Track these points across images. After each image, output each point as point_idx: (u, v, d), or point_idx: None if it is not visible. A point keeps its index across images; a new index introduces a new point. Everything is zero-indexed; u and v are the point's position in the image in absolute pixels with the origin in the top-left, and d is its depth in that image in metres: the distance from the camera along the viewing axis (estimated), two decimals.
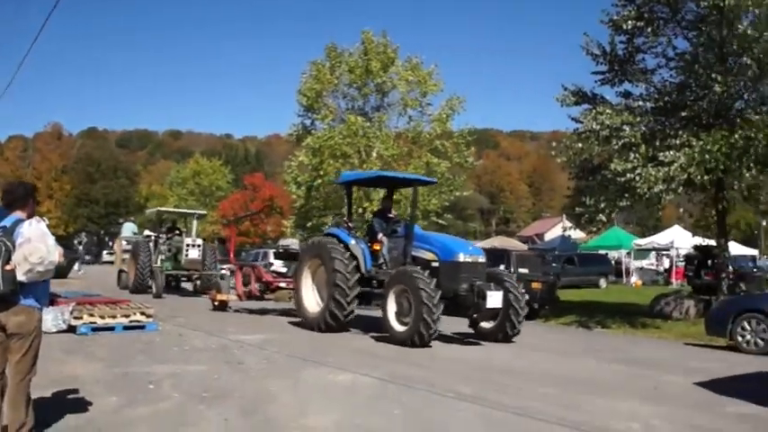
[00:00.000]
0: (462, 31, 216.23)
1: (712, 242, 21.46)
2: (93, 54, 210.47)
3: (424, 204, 29.91)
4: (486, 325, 14.06)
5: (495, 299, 12.93)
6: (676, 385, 9.50)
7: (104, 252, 60.37)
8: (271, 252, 32.87)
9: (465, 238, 78.53)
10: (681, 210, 33.12)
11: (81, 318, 12.90)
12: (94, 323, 13.01)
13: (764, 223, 62.61)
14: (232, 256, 22.63)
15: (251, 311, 18.70)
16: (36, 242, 5.32)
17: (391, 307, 13.00)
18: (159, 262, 24.22)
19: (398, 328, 12.77)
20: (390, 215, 15.57)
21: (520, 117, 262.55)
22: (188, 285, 26.84)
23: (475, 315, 13.73)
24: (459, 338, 14.04)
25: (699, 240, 26.03)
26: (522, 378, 9.61)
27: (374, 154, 30.94)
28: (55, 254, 5.45)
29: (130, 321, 13.51)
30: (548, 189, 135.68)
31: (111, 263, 29.43)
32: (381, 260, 14.47)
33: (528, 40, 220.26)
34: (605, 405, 7.90)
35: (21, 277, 5.23)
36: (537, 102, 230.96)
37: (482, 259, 13.78)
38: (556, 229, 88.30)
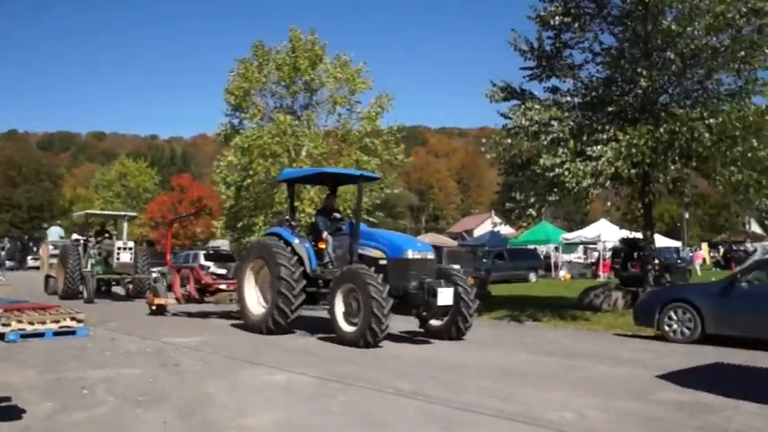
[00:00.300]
0: (390, 29, 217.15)
1: (639, 235, 21.88)
2: (10, 54, 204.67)
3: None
4: (435, 323, 13.84)
5: (445, 296, 12.69)
6: (608, 375, 9.65)
7: (29, 257, 59.04)
8: (201, 254, 32.39)
9: None
10: (608, 203, 33.78)
11: (9, 324, 12.56)
12: (23, 330, 12.65)
13: (687, 215, 64.45)
14: (169, 258, 21.89)
15: (190, 315, 18.27)
16: None
17: (339, 307, 12.69)
18: (89, 266, 23.76)
19: (347, 328, 12.49)
20: (335, 213, 15.22)
21: (448, 114, 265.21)
22: (119, 290, 26.35)
23: (425, 313, 13.38)
24: (409, 337, 13.85)
25: (626, 233, 26.56)
26: (459, 373, 9.62)
27: (304, 152, 30.75)
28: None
29: (60, 327, 13.19)
30: (476, 185, 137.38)
31: (37, 268, 28.74)
32: (327, 259, 14.12)
33: (455, 37, 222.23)
34: (540, 396, 7.95)
35: None
36: (464, 98, 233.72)
37: (431, 256, 13.54)
38: (485, 225, 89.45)
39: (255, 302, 14.77)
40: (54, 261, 26.15)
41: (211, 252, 33.68)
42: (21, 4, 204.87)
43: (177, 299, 18.14)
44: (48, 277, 26.77)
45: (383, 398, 7.80)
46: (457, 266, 14.57)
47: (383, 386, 8.36)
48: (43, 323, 13.02)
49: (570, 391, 8.23)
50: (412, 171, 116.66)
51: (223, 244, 44.32)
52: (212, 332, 14.66)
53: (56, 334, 12.97)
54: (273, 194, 30.28)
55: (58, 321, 13.24)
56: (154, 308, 18.24)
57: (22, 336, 12.51)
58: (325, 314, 13.82)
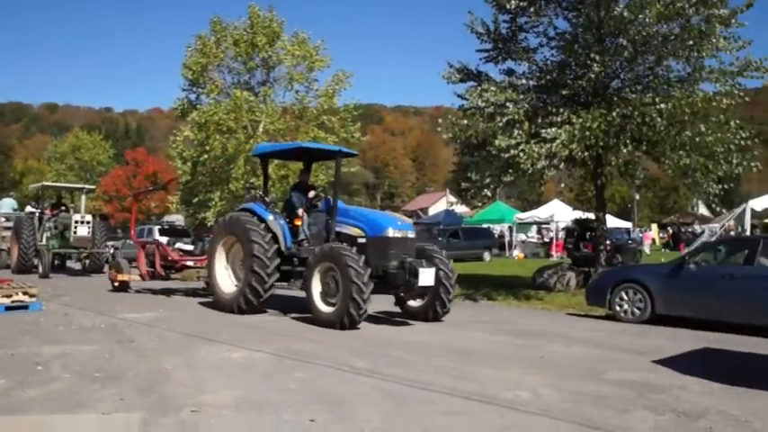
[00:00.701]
0: (345, 7, 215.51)
1: (591, 215, 22.33)
2: None
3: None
4: (414, 303, 13.60)
5: (427, 276, 12.32)
6: (561, 354, 9.89)
7: None
8: (156, 228, 32.25)
9: None
10: (562, 185, 34.27)
11: None
12: None
13: (637, 197, 65.58)
14: (133, 232, 21.69)
15: (154, 292, 17.84)
16: None
17: (316, 287, 12.27)
18: (45, 240, 23.17)
19: (325, 309, 12.07)
20: (311, 190, 14.80)
21: (403, 93, 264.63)
22: (73, 264, 26.00)
23: (404, 293, 13.21)
24: (386, 318, 13.70)
25: (579, 214, 27.07)
26: (415, 351, 9.79)
27: (261, 129, 30.78)
28: None
29: (13, 302, 13.10)
30: (431, 164, 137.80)
31: None
32: (302, 236, 13.75)
33: (410, 15, 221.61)
34: (494, 375, 8.17)
35: None
36: (420, 77, 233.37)
37: (411, 234, 13.10)
38: (440, 204, 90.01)
39: (227, 280, 14.35)
40: (6, 234, 25.73)
41: (166, 227, 33.55)
42: None
43: (141, 275, 17.65)
44: None
45: (340, 375, 7.95)
46: (435, 247, 13.79)
47: (340, 364, 8.52)
48: None
49: (524, 370, 8.47)
50: (368, 149, 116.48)
51: (177, 219, 44.12)
52: (167, 308, 14.60)
53: (8, 308, 12.90)
54: (230, 170, 30.28)
55: (9, 296, 13.13)
56: (116, 284, 17.74)
57: None
58: (294, 293, 13.97)
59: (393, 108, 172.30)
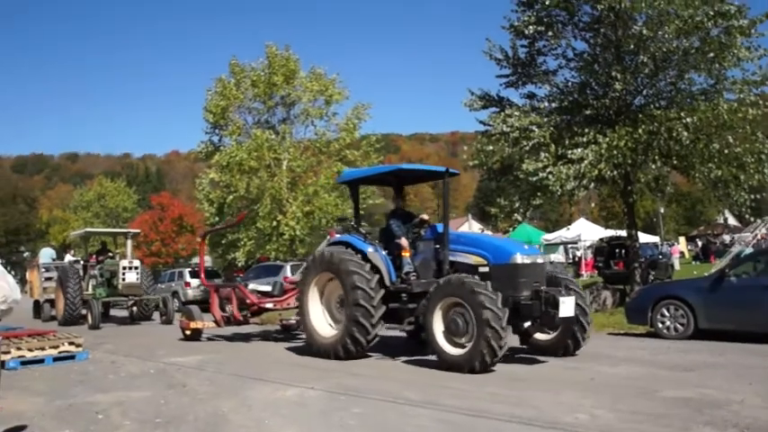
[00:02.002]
0: (356, 38, 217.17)
1: (621, 233, 22.31)
2: None
3: (338, 213, 30.16)
4: (543, 337, 11.95)
5: (568, 306, 10.74)
6: (610, 375, 9.82)
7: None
8: (186, 271, 32.42)
9: None
10: (592, 204, 34.30)
11: (9, 352, 12.47)
12: (23, 357, 12.63)
13: (662, 210, 65.22)
14: (203, 276, 19.79)
15: (229, 339, 16.80)
16: None
17: (438, 325, 10.75)
18: (91, 289, 22.34)
19: (451, 350, 10.58)
20: (411, 215, 13.37)
21: (418, 120, 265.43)
22: (116, 312, 25.35)
23: (540, 327, 11.60)
24: (509, 354, 11.73)
25: (610, 232, 26.99)
26: (465, 379, 9.76)
27: (284, 166, 31.01)
28: (17, 291, 5.43)
29: (60, 352, 13.17)
30: (451, 189, 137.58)
31: (25, 292, 27.44)
32: (407, 269, 12.14)
33: (421, 43, 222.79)
34: (550, 399, 8.13)
35: None
36: (434, 104, 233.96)
37: (541, 260, 11.61)
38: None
39: (323, 322, 12.90)
40: (48, 285, 24.89)
41: (196, 269, 33.71)
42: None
43: (216, 321, 16.47)
44: (41, 303, 25.29)
45: (397, 408, 7.95)
46: (563, 271, 12.67)
47: (395, 397, 8.51)
48: (43, 349, 12.99)
49: (578, 393, 8.44)
50: None
51: (205, 260, 44.30)
52: (207, 350, 14.59)
53: (55, 359, 12.97)
54: (256, 210, 30.44)
55: (57, 347, 13.21)
56: (188, 332, 16.43)
57: (23, 363, 12.49)
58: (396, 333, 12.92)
59: (409, 136, 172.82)
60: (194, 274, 30.42)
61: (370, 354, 12.25)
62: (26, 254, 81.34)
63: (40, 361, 12.79)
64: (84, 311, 21.66)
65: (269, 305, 16.37)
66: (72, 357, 13.28)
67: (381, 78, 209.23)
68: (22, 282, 45.06)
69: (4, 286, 5.31)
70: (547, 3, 18.46)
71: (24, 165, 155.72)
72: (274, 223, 29.73)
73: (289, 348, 14.16)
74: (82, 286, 22.06)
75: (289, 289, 16.30)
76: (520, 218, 19.00)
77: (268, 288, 17.43)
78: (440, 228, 12.02)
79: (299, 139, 32.75)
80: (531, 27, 18.86)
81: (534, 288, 10.88)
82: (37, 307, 25.78)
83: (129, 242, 24.61)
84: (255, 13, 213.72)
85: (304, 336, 13.65)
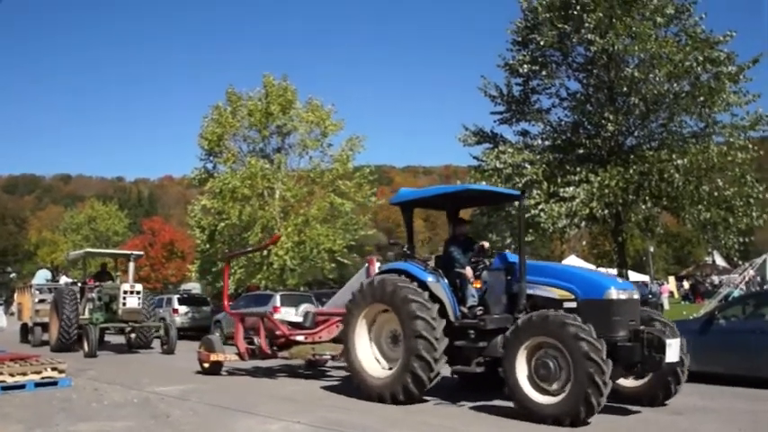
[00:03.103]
0: (353, 69, 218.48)
1: (611, 270, 22.41)
2: None
3: (329, 245, 30.21)
4: (629, 383, 10.31)
5: (674, 350, 9.33)
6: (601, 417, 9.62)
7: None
8: (175, 297, 32.23)
9: None
10: (583, 242, 34.49)
11: None
12: (4, 382, 12.36)
13: (652, 249, 65.44)
14: (226, 303, 17.64)
15: (253, 374, 15.12)
16: None
17: (521, 368, 9.21)
18: (87, 313, 20.80)
19: (540, 399, 9.02)
20: (472, 242, 11.89)
21: (412, 153, 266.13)
22: (112, 337, 24.09)
23: (642, 371, 9.85)
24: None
25: (602, 270, 27.03)
26: (450, 416, 9.60)
27: (276, 195, 31.08)
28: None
29: (42, 378, 12.83)
30: (442, 223, 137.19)
31: (12, 314, 25.90)
32: (471, 302, 10.61)
33: (416, 76, 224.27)
34: None
35: None
36: (429, 137, 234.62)
37: (637, 296, 10.06)
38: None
39: (371, 360, 11.35)
40: (41, 308, 23.05)
41: (185, 296, 33.53)
42: None
43: (240, 354, 14.81)
44: (29, 326, 23.40)
45: None
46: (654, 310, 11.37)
47: None
48: (24, 374, 12.71)
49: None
50: (379, 210, 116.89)
51: (194, 287, 44.08)
52: (191, 380, 14.24)
53: (37, 385, 12.66)
54: (247, 238, 30.45)
55: (39, 372, 12.90)
56: (206, 365, 14.87)
57: (3, 388, 12.25)
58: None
59: (403, 168, 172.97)
60: (183, 301, 30.18)
61: (427, 399, 10.66)
62: (12, 275, 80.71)
63: (22, 386, 12.51)
64: (76, 337, 20.31)
65: (299, 338, 14.72)
66: (54, 383, 12.91)
67: (376, 110, 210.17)
68: (7, 303, 44.39)
69: None
70: (542, 43, 18.77)
71: (15, 185, 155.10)
72: (264, 252, 29.68)
73: (276, 379, 13.94)
74: (78, 310, 20.65)
75: (320, 321, 14.97)
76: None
77: (298, 319, 16.03)
78: (510, 257, 10.69)
79: (293, 168, 32.86)
80: (525, 66, 19.17)
81: (631, 327, 9.42)
82: (25, 330, 24.16)
83: (132, 265, 22.89)
84: (253, 41, 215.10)
85: (332, 372, 13.16)
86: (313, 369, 15.31)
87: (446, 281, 10.77)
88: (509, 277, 10.36)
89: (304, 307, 20.83)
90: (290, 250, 29.31)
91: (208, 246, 32.61)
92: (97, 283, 21.90)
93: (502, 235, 18.93)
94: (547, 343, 9.01)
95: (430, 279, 10.68)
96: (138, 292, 20.45)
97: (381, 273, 11.71)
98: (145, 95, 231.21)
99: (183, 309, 28.94)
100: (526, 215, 17.55)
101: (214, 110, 32.26)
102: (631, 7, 17.99)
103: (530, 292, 9.96)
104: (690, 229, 19.72)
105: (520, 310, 9.83)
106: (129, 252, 25.47)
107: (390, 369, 10.87)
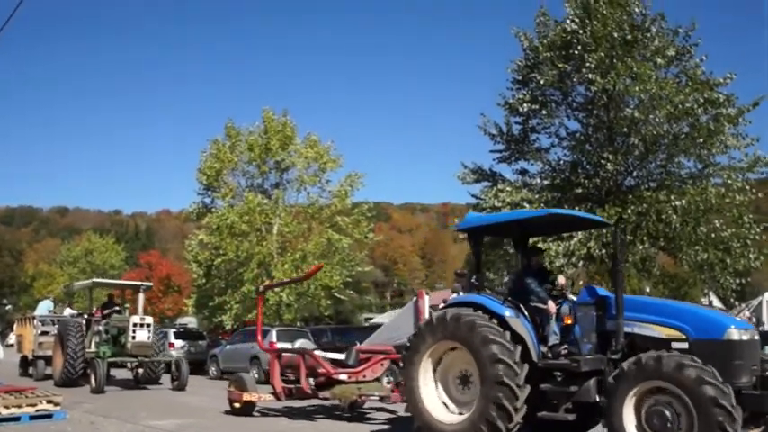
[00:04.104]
0: (350, 106, 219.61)
1: None
2: None
3: (326, 281, 30.16)
4: None
5: None
6: None
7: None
8: (171, 332, 32.04)
9: (360, 311, 75.99)
10: (580, 282, 34.40)
11: None
12: None
13: (648, 289, 65.36)
14: (260, 338, 16.37)
15: (290, 416, 13.72)
16: None
17: (629, 419, 8.08)
18: (93, 346, 19.77)
19: None
20: (549, 275, 10.77)
21: (410, 190, 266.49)
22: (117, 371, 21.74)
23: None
24: None
25: None
26: None
27: (274, 230, 31.11)
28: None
29: (37, 410, 12.69)
30: (440, 260, 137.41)
31: (11, 345, 24.89)
32: (553, 340, 9.41)
33: (414, 114, 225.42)
34: None
35: None
36: (426, 175, 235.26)
37: (757, 336, 8.89)
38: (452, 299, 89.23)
39: (437, 403, 9.91)
40: (44, 340, 22.03)
41: (181, 330, 33.39)
42: None
43: (276, 393, 13.62)
44: (29, 359, 22.79)
45: None
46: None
47: None
48: (19, 406, 12.56)
49: None
50: (376, 247, 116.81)
51: (190, 321, 43.93)
52: (194, 415, 14.01)
53: (32, 417, 12.53)
54: (242, 273, 30.41)
55: (34, 405, 12.75)
56: (237, 405, 13.71)
57: None
58: None
59: (400, 205, 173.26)
60: (179, 335, 29.99)
61: None
62: (8, 306, 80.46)
63: (17, 419, 12.38)
64: (81, 372, 19.19)
65: (343, 376, 13.35)
66: (50, 416, 12.80)
67: (374, 146, 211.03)
68: (3, 335, 43.88)
69: None
70: (542, 82, 18.93)
71: (12, 216, 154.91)
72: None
73: (273, 412, 13.69)
74: (84, 343, 19.57)
75: (364, 358, 13.89)
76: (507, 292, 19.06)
77: (340, 356, 14.52)
78: (600, 291, 9.48)
79: (291, 203, 32.93)
80: (525, 105, 19.31)
81: (754, 373, 8.26)
82: (25, 363, 23.52)
83: (141, 296, 21.79)
84: (252, 75, 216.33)
85: (372, 414, 12.50)
86: (351, 411, 13.74)
87: (525, 316, 9.50)
88: (599, 313, 9.04)
89: (300, 342, 20.72)
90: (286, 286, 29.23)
91: (204, 280, 32.56)
92: (107, 311, 20.92)
93: (499, 273, 18.92)
94: (661, 388, 7.87)
95: (508, 314, 9.35)
96: (148, 325, 19.55)
97: (450, 306, 10.16)
98: (142, 129, 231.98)
99: (179, 343, 28.72)
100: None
101: (213, 144, 32.39)
102: (632, 48, 18.16)
103: (628, 329, 8.71)
104: (687, 270, 19.68)
105: (616, 350, 8.64)
106: (138, 283, 24.23)
107: (461, 414, 9.55)
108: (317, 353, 14.49)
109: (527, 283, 9.74)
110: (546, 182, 19.82)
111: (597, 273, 21.49)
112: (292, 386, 13.58)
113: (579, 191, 18.84)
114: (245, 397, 13.43)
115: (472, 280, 10.63)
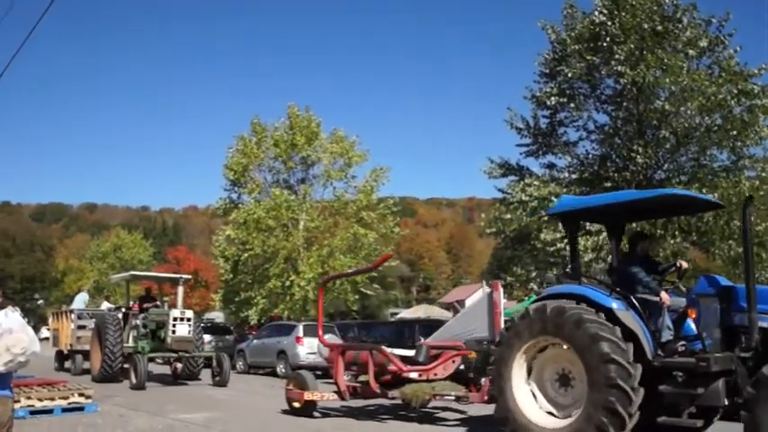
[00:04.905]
0: (376, 100, 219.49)
1: None
2: (3, 127, 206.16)
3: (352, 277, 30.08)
4: None
5: None
6: None
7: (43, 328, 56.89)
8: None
9: (386, 306, 75.84)
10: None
11: (18, 401, 12.23)
12: (32, 406, 12.41)
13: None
14: (321, 333, 14.90)
15: (356, 416, 12.71)
16: (18, 332, 5.26)
17: None
18: (131, 341, 19.22)
19: None
20: (658, 265, 9.68)
21: (436, 185, 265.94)
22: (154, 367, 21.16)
23: None
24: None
25: None
26: None
27: (301, 226, 31.08)
28: (36, 343, 5.40)
29: (69, 403, 12.95)
30: (466, 255, 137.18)
31: (45, 339, 24.54)
32: (667, 336, 8.34)
33: (440, 108, 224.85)
34: None
35: (0, 368, 5.15)
36: (452, 169, 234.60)
37: None
38: (476, 296, 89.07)
39: (532, 405, 8.92)
40: (82, 334, 21.67)
41: (208, 324, 33.46)
42: (11, 77, 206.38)
43: (340, 392, 12.63)
44: (64, 354, 22.45)
45: None
46: None
47: None
48: (52, 399, 12.85)
49: None
50: (402, 241, 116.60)
51: (217, 317, 44.08)
52: (221, 408, 14.09)
53: (64, 410, 12.76)
54: (269, 268, 30.42)
55: (66, 398, 13.02)
56: (297, 405, 12.67)
57: (31, 412, 12.28)
58: None
59: (426, 200, 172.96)
60: (206, 330, 29.90)
61: None
62: (40, 301, 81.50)
63: (49, 411, 12.60)
64: (121, 367, 18.80)
65: (413, 375, 12.24)
66: (81, 409, 13.04)
67: (400, 141, 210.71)
68: (35, 329, 44.34)
69: (24, 338, 5.28)
70: (569, 75, 18.66)
71: (43, 213, 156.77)
72: (287, 283, 29.64)
73: (384, 423, 12.33)
74: (123, 338, 19.06)
75: (434, 355, 12.75)
76: (536, 288, 18.86)
77: (409, 353, 13.12)
78: (722, 280, 8.45)
79: (317, 199, 32.88)
80: (553, 98, 19.04)
81: None
82: (61, 357, 23.07)
83: (181, 289, 20.85)
84: (278, 71, 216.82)
85: (441, 414, 11.94)
86: (417, 412, 12.54)
87: (636, 309, 8.45)
88: (724, 305, 8.04)
89: (328, 337, 20.56)
90: (312, 281, 29.18)
91: (231, 275, 32.67)
92: (145, 305, 20.37)
93: (526, 268, 18.70)
94: None
95: (616, 306, 8.34)
96: (188, 319, 18.63)
97: (545, 298, 9.07)
98: (169, 126, 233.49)
99: (206, 337, 28.68)
100: (551, 248, 17.39)
101: (239, 140, 32.42)
102: (663, 39, 17.83)
103: (762, 324, 7.64)
104: (719, 265, 19.33)
105: (748, 347, 7.66)
106: (177, 276, 23.13)
107: (564, 419, 8.56)
108: (386, 349, 13.17)
109: (633, 273, 8.68)
110: (574, 176, 19.56)
111: None
112: (358, 384, 12.73)
113: (608, 185, 18.53)
114: (307, 396, 12.44)
115: (567, 269, 9.81)
